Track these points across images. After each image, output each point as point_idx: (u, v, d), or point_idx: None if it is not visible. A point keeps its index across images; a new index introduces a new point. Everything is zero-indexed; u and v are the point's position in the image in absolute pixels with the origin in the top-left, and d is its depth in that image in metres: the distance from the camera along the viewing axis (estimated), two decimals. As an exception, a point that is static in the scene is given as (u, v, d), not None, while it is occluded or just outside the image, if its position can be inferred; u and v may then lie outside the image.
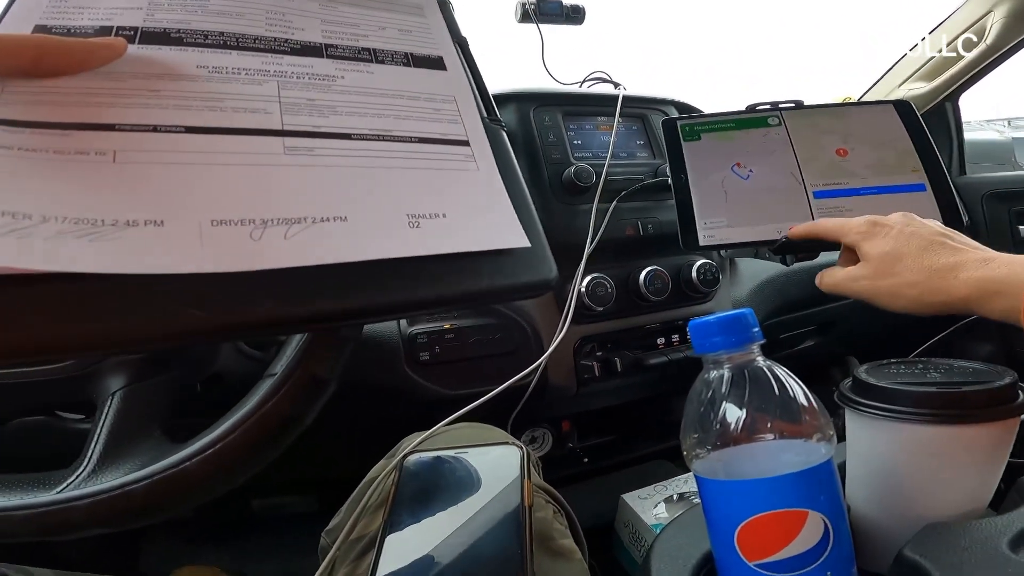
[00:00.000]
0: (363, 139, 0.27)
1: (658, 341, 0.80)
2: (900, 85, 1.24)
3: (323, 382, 0.38)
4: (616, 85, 0.95)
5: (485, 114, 0.32)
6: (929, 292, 0.45)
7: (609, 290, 0.75)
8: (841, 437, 0.39)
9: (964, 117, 1.25)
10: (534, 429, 0.89)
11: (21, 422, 0.52)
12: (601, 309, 0.74)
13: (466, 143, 0.30)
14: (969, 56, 1.12)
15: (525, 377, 0.63)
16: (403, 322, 0.70)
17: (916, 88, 1.21)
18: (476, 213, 0.27)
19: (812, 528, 0.30)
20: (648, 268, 0.77)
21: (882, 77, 1.27)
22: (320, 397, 0.38)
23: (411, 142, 0.28)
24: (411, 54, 0.33)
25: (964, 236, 0.49)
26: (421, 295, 0.24)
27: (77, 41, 0.23)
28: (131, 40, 0.26)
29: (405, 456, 0.44)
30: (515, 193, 0.29)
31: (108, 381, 0.40)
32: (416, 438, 0.49)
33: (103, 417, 0.38)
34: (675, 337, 0.81)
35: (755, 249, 0.99)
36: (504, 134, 0.32)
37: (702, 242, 0.66)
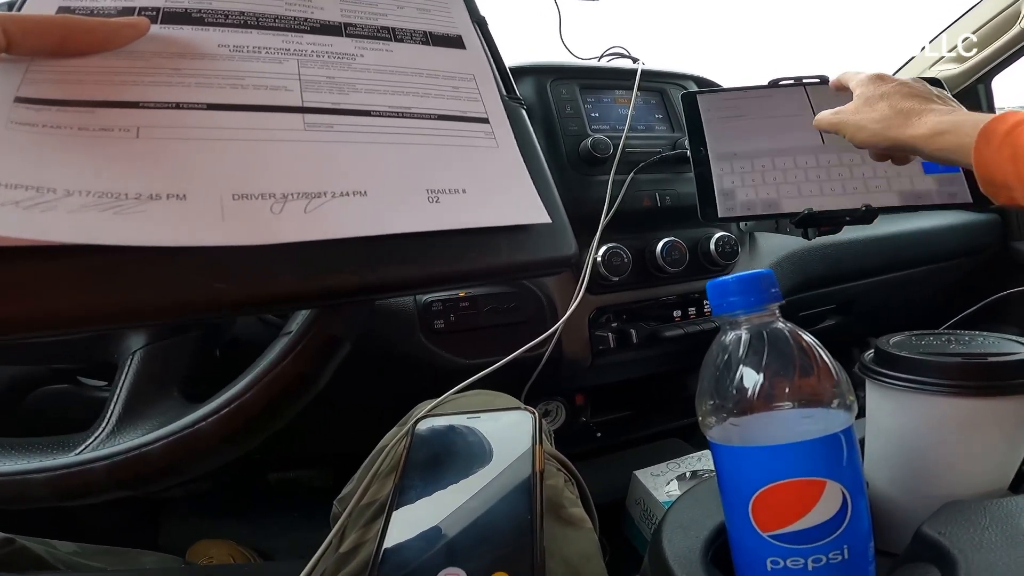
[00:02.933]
0: (382, 116, 0.27)
1: (674, 314, 0.79)
2: (931, 67, 1.22)
3: (338, 341, 0.38)
4: (635, 60, 0.94)
5: (504, 92, 0.32)
6: (889, 127, 0.50)
7: (625, 260, 0.74)
8: (860, 414, 0.38)
9: (999, 103, 1.22)
10: (548, 402, 0.89)
11: (44, 390, 0.53)
12: (617, 279, 0.73)
13: (485, 120, 0.30)
14: (1003, 39, 1.10)
15: (539, 345, 0.63)
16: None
17: (948, 69, 1.19)
18: (496, 189, 0.27)
19: (830, 499, 0.29)
20: (665, 239, 0.76)
21: (913, 57, 1.25)
22: (335, 356, 0.38)
23: (430, 119, 0.28)
24: (430, 33, 0.33)
25: (956, 102, 0.53)
26: (440, 270, 0.24)
27: (101, 21, 0.24)
28: (153, 20, 0.26)
29: (416, 422, 0.44)
30: (535, 169, 0.29)
31: (128, 341, 0.40)
32: (427, 404, 0.49)
33: (123, 377, 0.39)
34: (692, 310, 0.80)
35: (776, 221, 0.98)
36: (524, 112, 0.32)
37: (721, 214, 0.65)
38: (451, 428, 0.42)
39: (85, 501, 0.35)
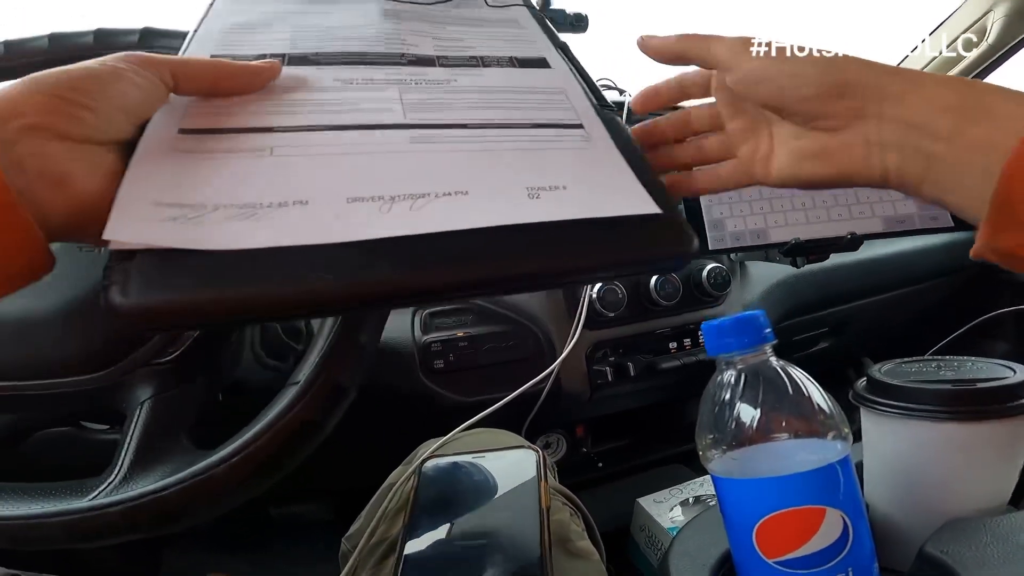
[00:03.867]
0: (479, 127, 0.28)
1: (670, 345, 0.80)
2: (926, 66, 1.20)
3: (344, 390, 0.39)
4: (622, 92, 0.96)
5: (596, 101, 0.32)
6: None
7: (620, 295, 0.75)
8: (857, 437, 0.39)
9: None
10: (548, 434, 0.89)
11: (47, 433, 0.53)
12: (613, 314, 0.75)
13: (579, 126, 0.30)
14: (970, 56, 1.12)
15: (539, 383, 0.64)
16: (417, 330, 0.70)
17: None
18: (598, 183, 0.27)
19: (831, 525, 0.30)
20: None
21: (903, 60, 1.25)
22: (341, 404, 0.39)
23: (525, 127, 0.29)
24: (516, 57, 0.35)
25: None
26: (547, 264, 0.24)
27: (243, 67, 0.28)
28: (282, 63, 0.30)
29: (423, 461, 0.44)
30: (636, 163, 0.28)
31: (137, 391, 0.41)
32: (433, 444, 0.49)
33: (133, 426, 0.39)
34: (687, 341, 0.81)
35: (765, 252, 1.00)
36: (619, 118, 0.31)
37: (712, 246, 0.66)
38: (458, 467, 0.43)
39: (101, 543, 0.36)
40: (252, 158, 0.24)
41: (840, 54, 0.27)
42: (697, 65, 0.32)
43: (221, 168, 0.23)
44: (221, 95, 0.27)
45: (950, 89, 0.25)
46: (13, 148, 0.20)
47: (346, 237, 0.21)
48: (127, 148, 0.24)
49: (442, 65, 0.33)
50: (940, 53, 1.16)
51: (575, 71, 0.34)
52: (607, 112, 0.31)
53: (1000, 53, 1.10)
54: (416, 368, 0.69)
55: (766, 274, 0.91)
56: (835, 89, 0.26)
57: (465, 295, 0.28)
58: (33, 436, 0.52)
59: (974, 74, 1.14)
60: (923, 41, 1.18)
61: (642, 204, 0.26)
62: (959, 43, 1.12)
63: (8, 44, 0.42)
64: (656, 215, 0.25)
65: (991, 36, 1.07)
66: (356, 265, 0.21)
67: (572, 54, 0.36)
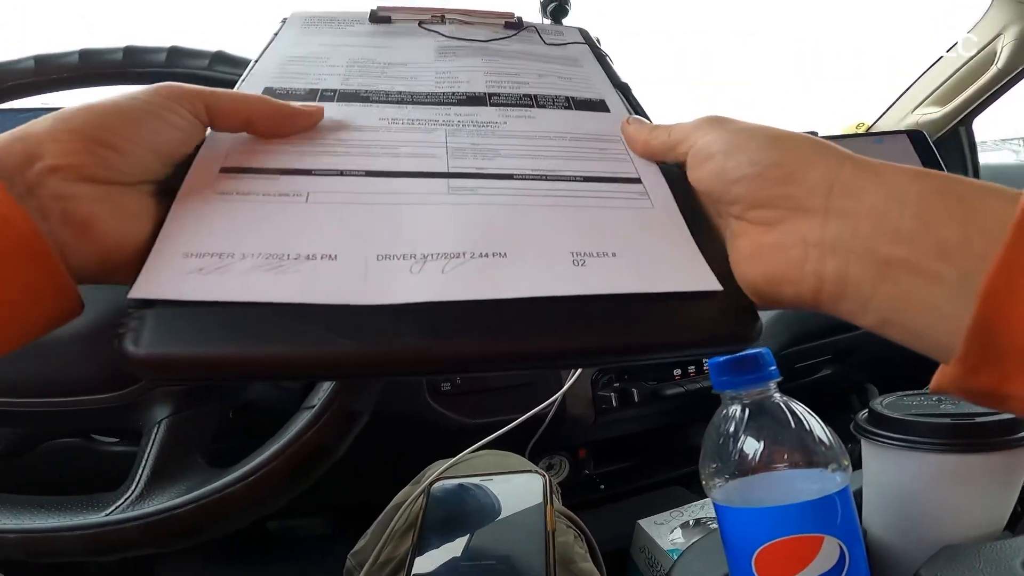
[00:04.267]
0: (525, 179, 0.26)
1: (675, 372, 0.81)
2: (913, 110, 1.23)
3: (357, 414, 0.40)
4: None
5: None
6: None
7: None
8: (857, 464, 0.40)
9: (979, 136, 1.24)
10: (551, 456, 0.89)
11: (54, 444, 0.54)
12: (618, 341, 0.76)
13: (637, 180, 0.27)
14: (981, 80, 1.12)
15: (545, 408, 0.65)
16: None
17: (929, 113, 1.20)
18: (652, 252, 0.23)
19: (828, 552, 0.31)
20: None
21: (895, 103, 1.26)
22: (354, 428, 0.40)
23: (576, 180, 0.27)
24: (572, 98, 0.33)
25: None
26: (589, 343, 0.21)
27: (283, 106, 0.27)
28: (331, 99, 0.30)
29: (432, 482, 0.45)
30: (701, 232, 0.25)
31: (155, 410, 0.42)
32: (441, 465, 0.50)
33: (150, 444, 0.41)
34: (691, 368, 0.82)
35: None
36: (683, 172, 0.27)
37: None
38: (465, 489, 0.44)
39: (116, 557, 0.37)
40: (286, 204, 0.23)
41: (796, 133, 0.23)
42: (662, 158, 0.28)
43: (253, 214, 0.22)
44: (257, 134, 0.26)
45: (915, 180, 0.20)
46: (36, 193, 0.19)
47: (371, 300, 0.20)
48: (160, 188, 0.23)
49: (494, 104, 0.31)
50: (949, 77, 1.16)
51: (634, 115, 0.32)
52: (672, 168, 0.28)
53: (1009, 77, 1.10)
54: (423, 390, 0.70)
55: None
56: (776, 171, 0.22)
57: (491, 370, 0.26)
58: (42, 446, 0.53)
59: (980, 101, 1.14)
60: (929, 68, 1.19)
61: (701, 279, 0.23)
62: (969, 67, 1.12)
63: (39, 59, 0.42)
64: (715, 292, 0.22)
65: (1001, 60, 1.08)
66: (379, 331, 0.20)
67: (633, 96, 0.34)
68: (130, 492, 0.39)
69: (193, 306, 0.19)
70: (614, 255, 0.23)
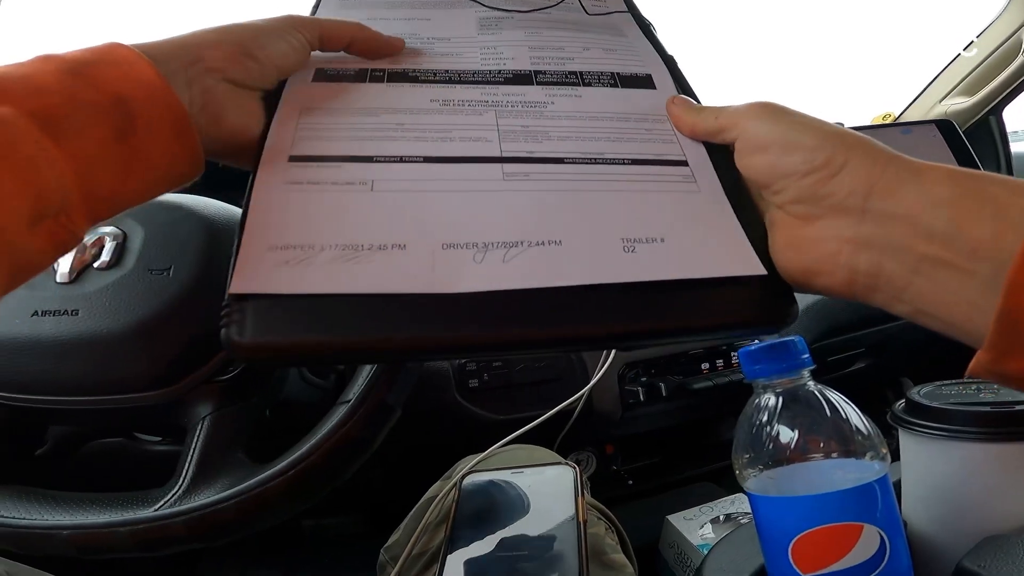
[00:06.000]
0: (575, 163, 0.27)
1: (703, 366, 0.81)
2: (941, 100, 1.21)
3: (391, 408, 0.41)
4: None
5: None
6: None
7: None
8: (895, 456, 0.39)
9: (1012, 127, 1.21)
10: (579, 452, 0.90)
11: (100, 443, 0.56)
12: (646, 335, 0.75)
13: (684, 163, 0.28)
14: (1008, 69, 1.10)
15: (572, 403, 0.65)
16: (453, 350, 0.72)
17: (957, 103, 1.19)
18: (698, 237, 0.24)
19: (867, 541, 0.31)
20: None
21: (921, 93, 1.25)
22: (388, 422, 0.41)
23: (624, 164, 0.27)
24: (617, 74, 0.33)
25: None
26: (637, 326, 0.23)
27: (375, 34, 0.32)
28: (380, 79, 0.31)
29: (463, 476, 0.46)
30: (745, 215, 0.26)
31: (199, 407, 0.43)
32: (472, 460, 0.51)
33: (195, 440, 0.42)
34: (719, 362, 0.81)
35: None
36: (730, 152, 0.27)
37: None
38: (496, 482, 0.44)
39: (164, 552, 0.38)
40: (355, 193, 0.24)
41: (847, 131, 0.24)
42: (709, 139, 0.29)
43: (327, 204, 0.24)
44: (356, 54, 0.32)
45: (951, 181, 0.21)
46: (194, 85, 0.25)
47: (441, 289, 0.22)
48: (268, 96, 0.28)
49: (540, 83, 0.31)
50: (974, 69, 1.14)
51: (682, 92, 0.32)
52: (717, 149, 0.28)
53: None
54: (452, 387, 0.71)
55: (801, 295, 0.91)
56: (824, 171, 0.23)
57: (547, 350, 0.27)
58: (88, 445, 0.54)
59: (1008, 91, 1.13)
60: (956, 57, 1.17)
61: (747, 264, 0.24)
62: (994, 57, 1.11)
63: None
64: (759, 276, 0.23)
65: None
66: (451, 319, 0.21)
67: (679, 71, 0.34)
68: (177, 488, 0.40)
69: (286, 298, 0.21)
70: (662, 240, 0.24)
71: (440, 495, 0.48)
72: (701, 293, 0.23)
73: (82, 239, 0.23)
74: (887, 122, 1.27)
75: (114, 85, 0.22)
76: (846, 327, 0.93)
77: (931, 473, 0.39)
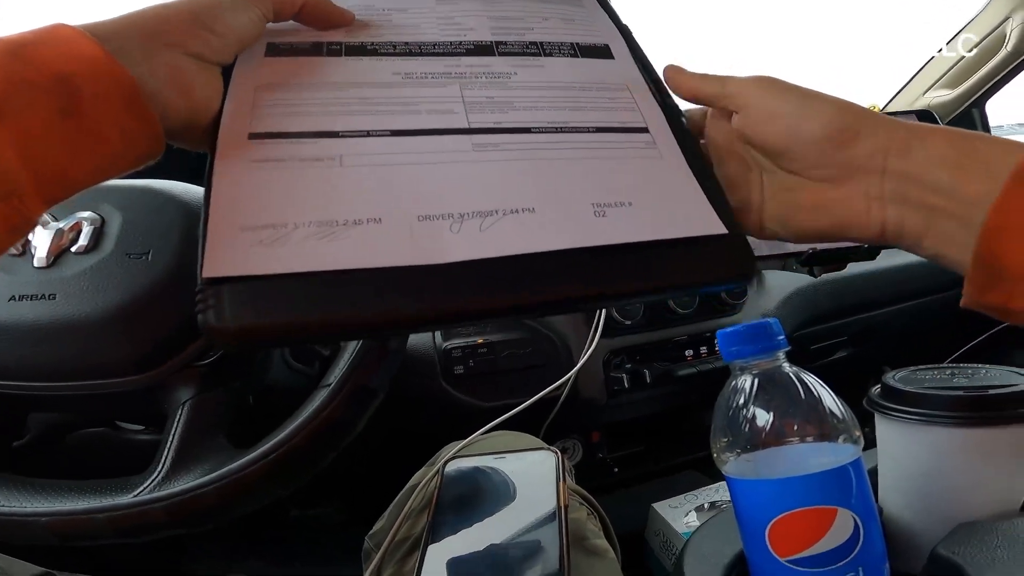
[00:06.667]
0: (542, 132, 0.28)
1: (687, 353, 0.81)
2: (924, 93, 1.23)
3: (373, 391, 0.41)
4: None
5: (661, 100, 0.31)
6: None
7: (638, 304, 0.76)
8: (872, 444, 0.40)
9: (995, 122, 1.23)
10: (565, 440, 0.90)
11: (84, 433, 0.56)
12: (630, 322, 0.76)
13: (645, 130, 0.29)
14: (992, 62, 1.11)
15: (557, 389, 0.65)
16: (438, 336, 0.72)
17: (941, 95, 1.20)
18: (663, 200, 0.26)
19: (842, 525, 0.31)
20: (675, 281, 0.79)
21: (905, 85, 1.26)
22: (370, 406, 0.41)
23: (589, 132, 0.28)
24: (577, 44, 0.33)
25: None
26: (611, 287, 0.24)
27: (326, 3, 0.31)
28: (337, 53, 0.30)
29: (446, 462, 0.46)
30: (703, 178, 0.27)
31: (179, 392, 0.43)
32: (455, 446, 0.51)
33: (175, 425, 0.42)
34: (703, 349, 0.82)
35: (782, 261, 1.01)
36: (684, 119, 0.30)
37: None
38: (479, 468, 0.44)
39: (144, 539, 0.38)
40: (324, 169, 0.24)
41: (854, 103, 0.27)
42: (708, 104, 0.31)
43: (296, 181, 0.24)
44: (305, 22, 0.31)
45: (948, 142, 0.24)
46: (153, 59, 0.24)
47: (420, 260, 0.22)
48: (226, 71, 0.27)
49: (501, 53, 0.32)
50: (959, 60, 1.15)
51: (639, 62, 0.33)
52: (674, 114, 0.30)
53: (1019, 60, 1.10)
54: (437, 373, 0.71)
55: (783, 283, 0.92)
56: (845, 135, 0.26)
57: (529, 314, 0.27)
58: (72, 435, 0.54)
59: (991, 84, 1.14)
60: (940, 50, 1.18)
61: (709, 224, 0.25)
62: (978, 50, 1.12)
63: None
64: (721, 235, 0.25)
65: (1010, 43, 1.08)
66: (432, 290, 0.22)
67: (635, 41, 0.35)
68: (156, 474, 0.40)
69: (263, 278, 0.21)
70: (630, 204, 0.25)
71: (423, 482, 0.48)
72: (669, 253, 0.24)
73: (36, 223, 0.23)
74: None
75: (55, 64, 0.22)
76: (828, 315, 0.94)
77: (906, 458, 0.40)
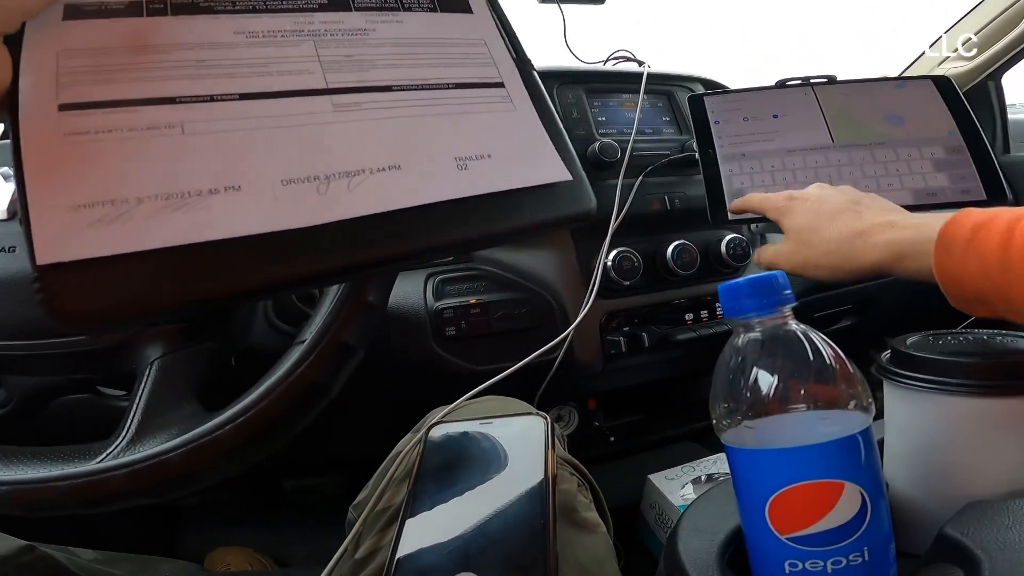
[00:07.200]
0: (404, 89, 0.28)
1: (686, 317, 0.79)
2: (939, 64, 1.20)
3: (351, 349, 0.38)
4: (640, 63, 0.94)
5: (515, 54, 0.33)
6: (844, 259, 0.46)
7: (636, 264, 0.74)
8: (879, 414, 0.38)
9: (1010, 99, 1.21)
10: (560, 407, 0.88)
11: (64, 400, 0.54)
12: (628, 283, 0.73)
13: (501, 84, 0.31)
14: (1011, 35, 1.08)
15: (551, 351, 0.63)
16: (430, 297, 0.70)
17: (957, 67, 1.17)
18: (518, 151, 0.29)
19: (849, 500, 0.29)
20: (676, 242, 0.76)
21: (919, 57, 1.23)
22: (348, 364, 0.38)
23: (449, 88, 0.29)
24: None
25: (876, 199, 0.50)
26: (473, 233, 0.26)
27: None
28: (162, 12, 0.27)
29: (429, 429, 0.44)
30: (552, 129, 0.30)
31: (147, 351, 0.41)
32: (441, 411, 0.49)
33: (142, 387, 0.39)
34: (704, 313, 0.80)
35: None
36: (535, 73, 0.32)
37: (732, 216, 0.64)
38: (464, 434, 0.42)
39: (108, 508, 0.36)
40: (163, 138, 0.22)
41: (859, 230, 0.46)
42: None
43: (133, 152, 0.22)
44: None
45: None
46: None
47: (287, 224, 0.22)
48: (12, 41, 0.23)
49: (357, 8, 0.30)
50: (969, 39, 1.12)
51: (496, 17, 0.34)
52: (526, 68, 0.32)
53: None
54: (428, 335, 0.68)
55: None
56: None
57: (393, 268, 0.34)
58: (54, 402, 0.52)
59: (1010, 56, 1.11)
60: (947, 31, 1.15)
61: (558, 172, 0.28)
62: (998, 21, 1.09)
63: None
64: (567, 181, 0.28)
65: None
66: (299, 250, 0.22)
67: None
68: (120, 439, 0.38)
69: (111, 258, 0.20)
70: (489, 156, 0.27)
71: (406, 449, 0.46)
72: (523, 198, 0.27)
73: None
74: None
75: None
76: (832, 282, 0.91)
77: (916, 430, 0.38)
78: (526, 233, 0.28)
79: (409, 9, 0.31)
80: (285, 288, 0.23)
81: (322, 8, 0.29)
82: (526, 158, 0.28)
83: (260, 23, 0.28)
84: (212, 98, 0.24)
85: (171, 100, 0.24)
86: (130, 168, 0.22)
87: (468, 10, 0.33)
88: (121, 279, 0.20)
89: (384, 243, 0.24)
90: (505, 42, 0.33)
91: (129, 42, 0.25)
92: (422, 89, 0.29)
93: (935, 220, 0.41)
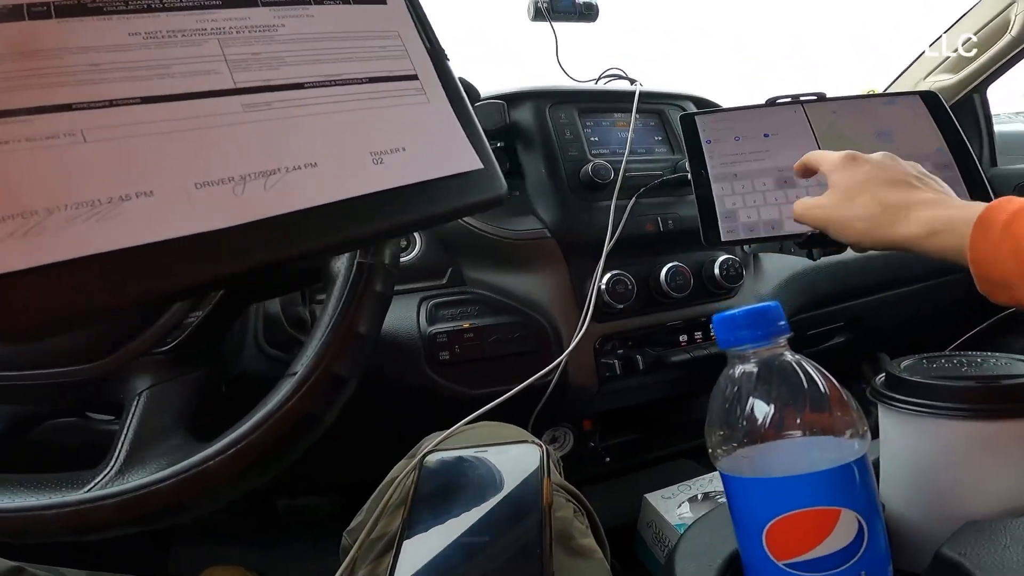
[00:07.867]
0: (316, 86, 0.28)
1: (681, 338, 0.79)
2: (925, 78, 1.22)
3: (343, 380, 0.38)
4: (632, 81, 0.94)
5: (429, 45, 0.32)
6: (877, 226, 0.45)
7: (630, 287, 0.74)
8: (874, 435, 0.38)
9: (994, 109, 1.23)
10: (555, 428, 0.88)
11: (52, 424, 0.53)
12: (622, 307, 0.73)
13: (414, 77, 0.31)
14: (995, 48, 1.11)
15: (545, 376, 0.63)
16: (423, 321, 0.69)
17: (942, 80, 1.19)
18: (432, 143, 0.29)
19: (845, 526, 0.29)
20: (669, 264, 0.76)
21: (905, 70, 1.25)
22: (340, 396, 0.38)
23: (362, 83, 0.29)
24: None
25: (939, 181, 0.48)
26: (391, 223, 0.27)
27: None
28: (46, 16, 0.25)
29: (425, 455, 0.44)
30: (464, 119, 0.30)
31: (135, 381, 0.40)
32: (436, 437, 0.48)
33: (130, 417, 0.39)
34: (698, 334, 0.80)
35: (780, 243, 0.99)
36: (449, 63, 0.32)
37: (724, 237, 0.65)
38: (459, 462, 0.42)
39: (96, 537, 0.35)
40: (64, 147, 0.22)
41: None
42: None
43: (34, 163, 0.21)
44: None
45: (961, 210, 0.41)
46: None
47: (204, 227, 0.22)
48: None
49: (265, 3, 0.29)
50: (967, 41, 1.14)
51: (410, 6, 0.33)
52: (439, 57, 0.32)
53: (1023, 46, 1.09)
54: (421, 360, 0.68)
55: (780, 266, 0.90)
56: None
57: (309, 261, 0.34)
58: (40, 427, 0.51)
59: (994, 69, 1.13)
60: (945, 32, 1.17)
61: (470, 161, 0.29)
62: (982, 35, 1.11)
63: None
64: (478, 169, 0.29)
65: (1015, 28, 1.07)
66: (222, 250, 0.22)
67: None
68: (109, 468, 0.37)
69: (29, 271, 0.19)
70: (405, 150, 0.28)
71: (400, 476, 0.46)
72: (438, 188, 0.28)
73: None
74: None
75: None
76: (827, 300, 0.92)
77: (911, 452, 0.38)
78: (441, 220, 0.29)
79: (320, 2, 0.30)
80: (213, 286, 0.24)
81: (225, 4, 0.28)
82: (440, 149, 0.29)
83: (157, 23, 0.26)
84: (111, 103, 0.23)
85: (67, 107, 0.23)
86: (34, 180, 0.21)
87: (382, 1, 0.32)
88: (47, 289, 0.19)
89: (305, 239, 0.24)
90: (419, 32, 0.32)
91: (13, 48, 0.23)
92: (335, 85, 0.28)
93: (976, 206, 0.40)
